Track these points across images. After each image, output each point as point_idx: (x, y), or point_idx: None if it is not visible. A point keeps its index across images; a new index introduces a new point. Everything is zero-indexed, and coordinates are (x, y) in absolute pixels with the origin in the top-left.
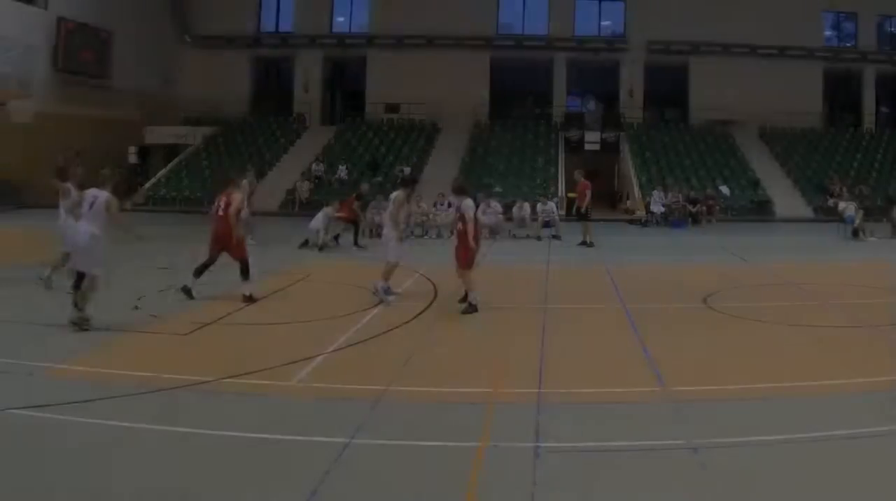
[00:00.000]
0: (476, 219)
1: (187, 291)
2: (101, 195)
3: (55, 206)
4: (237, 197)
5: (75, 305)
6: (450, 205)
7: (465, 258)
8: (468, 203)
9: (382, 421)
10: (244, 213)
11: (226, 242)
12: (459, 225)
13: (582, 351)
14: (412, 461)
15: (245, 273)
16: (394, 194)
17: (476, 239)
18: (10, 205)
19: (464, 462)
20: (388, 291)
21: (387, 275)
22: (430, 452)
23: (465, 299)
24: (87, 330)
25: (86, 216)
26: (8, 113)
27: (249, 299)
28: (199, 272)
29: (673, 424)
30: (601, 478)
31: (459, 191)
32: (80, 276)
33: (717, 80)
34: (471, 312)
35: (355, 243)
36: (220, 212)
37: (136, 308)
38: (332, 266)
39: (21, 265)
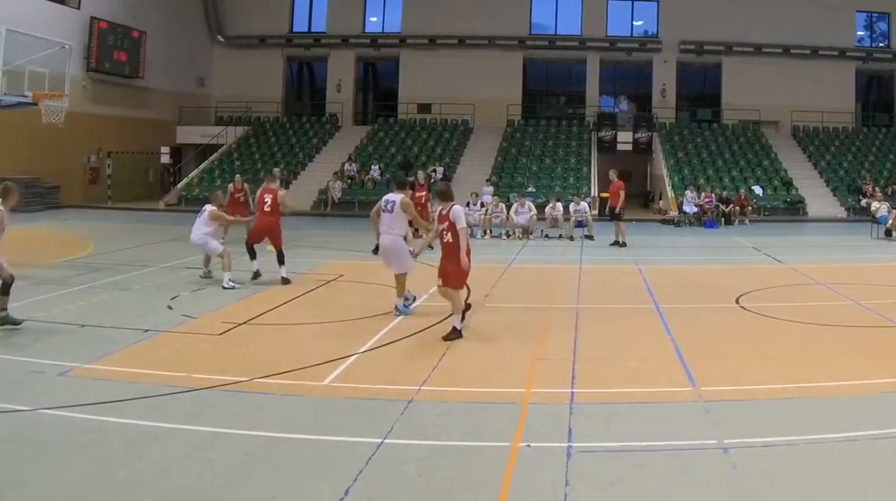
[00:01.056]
0: (465, 229)
1: (256, 275)
2: None
3: (87, 207)
4: (279, 192)
5: None
6: (468, 206)
7: (455, 275)
8: (458, 210)
9: (415, 422)
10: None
11: (273, 235)
12: (448, 236)
13: (614, 351)
14: (445, 461)
15: (281, 260)
16: (397, 198)
17: (468, 252)
18: (42, 206)
19: (497, 463)
20: (408, 302)
21: (402, 289)
22: (463, 452)
23: (451, 335)
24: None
25: None
26: (40, 113)
27: (285, 281)
28: (253, 255)
29: (704, 424)
30: (633, 478)
31: (444, 196)
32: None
33: (750, 80)
34: (454, 338)
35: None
36: (268, 208)
37: (169, 308)
38: (364, 266)
39: (52, 265)
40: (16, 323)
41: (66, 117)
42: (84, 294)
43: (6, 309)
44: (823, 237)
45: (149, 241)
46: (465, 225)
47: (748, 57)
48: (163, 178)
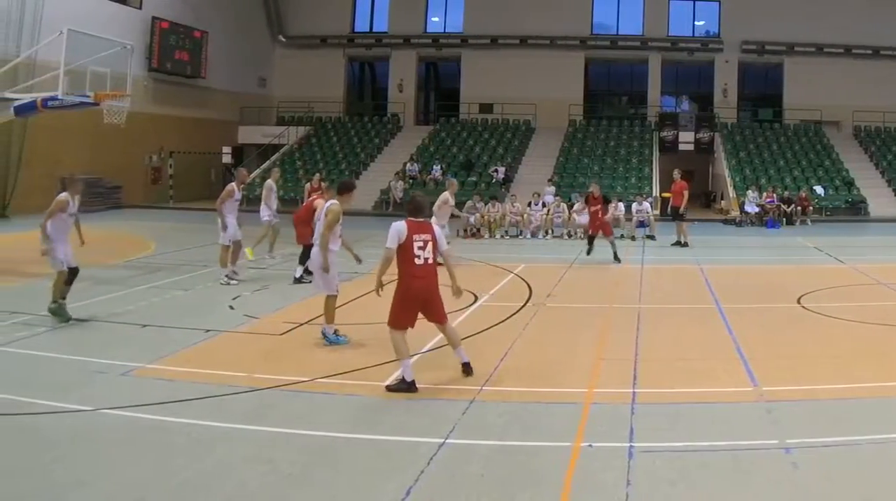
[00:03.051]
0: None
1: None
2: None
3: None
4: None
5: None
6: (529, 206)
7: (392, 308)
8: (392, 228)
9: (477, 421)
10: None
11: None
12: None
13: (676, 351)
14: (507, 461)
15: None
16: (327, 203)
17: (404, 280)
18: (104, 206)
19: (558, 463)
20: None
21: (329, 316)
22: (525, 452)
23: (393, 384)
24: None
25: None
26: (102, 113)
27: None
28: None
29: (766, 424)
30: (694, 478)
31: (416, 211)
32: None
33: (812, 79)
34: (398, 389)
35: None
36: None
37: (231, 308)
38: None
39: (114, 265)
40: (66, 318)
41: (127, 117)
42: (145, 294)
43: (57, 302)
44: (885, 237)
45: (210, 241)
46: (389, 245)
47: (810, 57)
48: (224, 178)
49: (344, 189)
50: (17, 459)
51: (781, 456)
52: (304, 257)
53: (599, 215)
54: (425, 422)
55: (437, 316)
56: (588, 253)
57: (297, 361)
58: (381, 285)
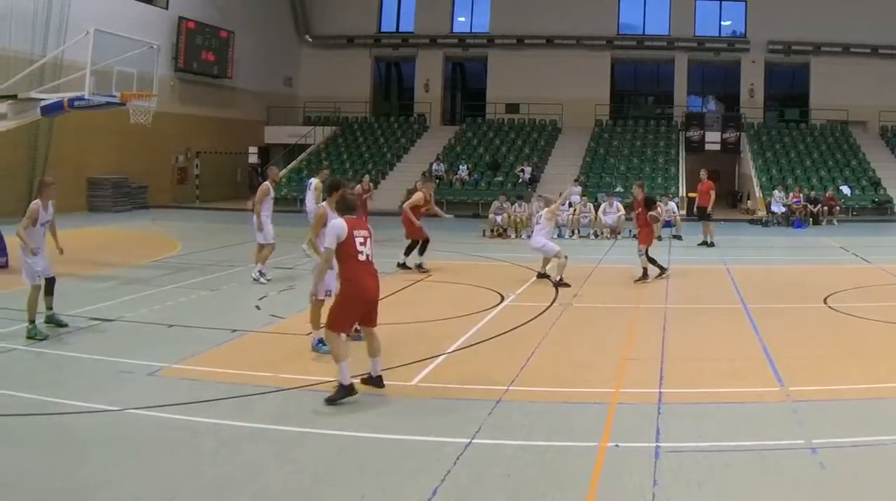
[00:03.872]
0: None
1: (406, 266)
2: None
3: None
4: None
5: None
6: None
7: (332, 308)
8: (330, 226)
9: (503, 422)
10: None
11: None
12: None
13: (702, 351)
14: (533, 461)
15: (410, 251)
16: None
17: (349, 281)
18: (130, 206)
19: (585, 463)
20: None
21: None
22: (551, 452)
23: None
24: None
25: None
26: (128, 113)
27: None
28: (409, 251)
29: (792, 424)
30: (720, 478)
31: (350, 209)
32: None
33: (838, 80)
34: (337, 398)
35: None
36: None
37: (257, 308)
38: (452, 266)
39: (141, 265)
40: (61, 324)
41: (153, 117)
42: (172, 294)
43: (52, 309)
44: None
45: (236, 241)
46: (328, 245)
47: (836, 57)
48: (251, 178)
49: (332, 190)
50: (45, 459)
51: (808, 457)
52: (416, 249)
53: (641, 220)
54: (451, 422)
55: (374, 318)
56: (661, 271)
57: (323, 361)
58: (327, 291)
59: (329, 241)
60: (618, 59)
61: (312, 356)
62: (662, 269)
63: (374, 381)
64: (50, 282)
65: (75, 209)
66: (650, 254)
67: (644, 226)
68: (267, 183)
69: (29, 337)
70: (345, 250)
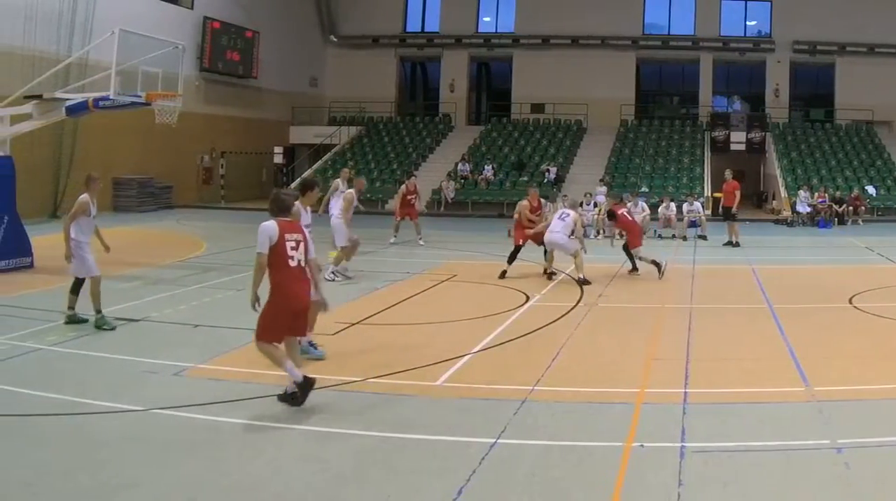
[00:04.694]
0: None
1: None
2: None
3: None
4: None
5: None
6: (581, 205)
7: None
8: (261, 228)
9: (528, 422)
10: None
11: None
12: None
13: (727, 351)
14: (558, 461)
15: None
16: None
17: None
18: (156, 206)
19: (610, 463)
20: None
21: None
22: (576, 452)
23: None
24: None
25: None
26: (154, 113)
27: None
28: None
29: (817, 424)
30: (746, 478)
31: (283, 210)
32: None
33: (863, 80)
34: (288, 402)
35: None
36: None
37: None
38: (477, 266)
39: (166, 265)
40: (82, 321)
41: (179, 117)
42: (197, 294)
43: (74, 309)
44: None
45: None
46: (260, 250)
47: (861, 57)
48: (276, 178)
49: (306, 188)
50: (70, 459)
51: (833, 457)
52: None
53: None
54: (477, 422)
55: (303, 327)
56: (633, 269)
57: (348, 361)
58: (257, 299)
59: (261, 246)
60: (643, 59)
61: (338, 355)
62: (635, 268)
63: (283, 396)
64: (80, 282)
65: (101, 209)
66: (631, 252)
67: (629, 232)
68: (352, 191)
69: (98, 327)
70: (275, 254)
